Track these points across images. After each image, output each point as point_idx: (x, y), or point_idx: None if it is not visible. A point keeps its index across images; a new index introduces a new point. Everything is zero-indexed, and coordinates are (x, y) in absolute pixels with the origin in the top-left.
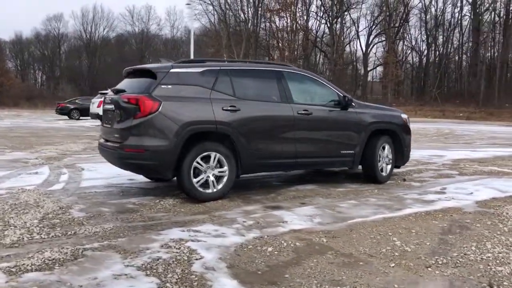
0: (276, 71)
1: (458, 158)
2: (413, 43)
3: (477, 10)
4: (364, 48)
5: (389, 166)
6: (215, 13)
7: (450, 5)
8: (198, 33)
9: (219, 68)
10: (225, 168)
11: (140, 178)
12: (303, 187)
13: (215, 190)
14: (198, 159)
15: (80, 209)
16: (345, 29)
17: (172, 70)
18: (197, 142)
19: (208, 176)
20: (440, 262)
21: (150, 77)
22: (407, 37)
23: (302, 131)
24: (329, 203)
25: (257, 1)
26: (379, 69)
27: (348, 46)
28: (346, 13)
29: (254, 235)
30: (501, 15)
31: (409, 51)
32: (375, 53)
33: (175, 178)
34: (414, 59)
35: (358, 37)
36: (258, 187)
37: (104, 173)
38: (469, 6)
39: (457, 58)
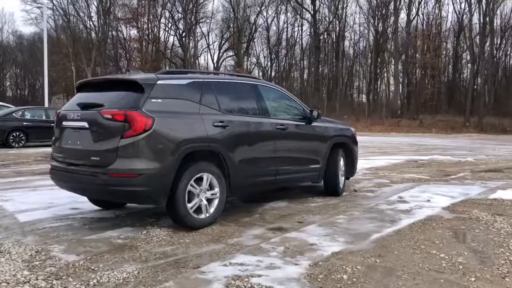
0: (252, 84)
1: (367, 167)
2: (259, 59)
3: (317, 30)
4: (215, 62)
5: (343, 178)
6: (59, 18)
7: (290, 25)
8: (35, 39)
9: (203, 80)
10: (216, 189)
11: (87, 207)
12: (276, 204)
13: (207, 215)
14: (192, 182)
15: (63, 250)
16: (195, 42)
17: (159, 82)
18: (192, 163)
19: (201, 200)
20: (505, 271)
21: (135, 90)
22: (253, 52)
23: (280, 147)
24: (324, 220)
25: (106, 9)
26: None
27: (198, 59)
28: (196, 26)
29: (306, 262)
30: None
31: (253, 66)
32: (225, 67)
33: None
34: (259, 74)
35: (209, 51)
36: (229, 207)
37: (32, 203)
38: (310, 26)
39: (297, 74)
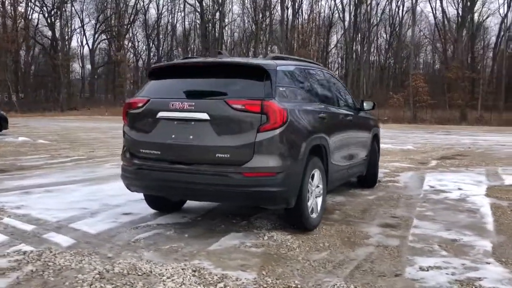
0: (328, 72)
1: None
2: (136, 43)
3: (204, 18)
4: (90, 45)
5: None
6: None
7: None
8: None
9: (300, 66)
10: (321, 187)
11: (138, 210)
12: (333, 199)
13: (317, 215)
14: (309, 179)
15: (221, 267)
16: (67, 22)
17: (278, 68)
18: (310, 158)
19: (314, 199)
20: None
21: (259, 77)
22: (133, 37)
23: (350, 139)
24: (412, 213)
25: None
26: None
27: (69, 41)
28: (66, 3)
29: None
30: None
31: (129, 52)
32: (100, 51)
33: None
34: (136, 59)
35: (84, 33)
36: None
37: (65, 209)
38: (197, 14)
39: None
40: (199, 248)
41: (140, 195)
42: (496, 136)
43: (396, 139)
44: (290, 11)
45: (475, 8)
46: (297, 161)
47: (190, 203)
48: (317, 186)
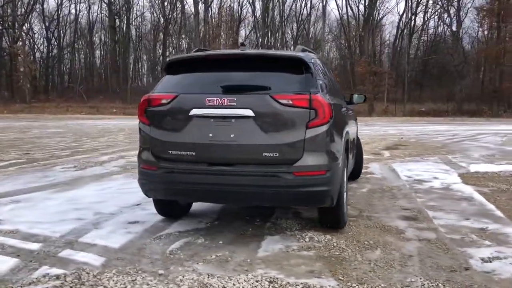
0: (324, 62)
1: None
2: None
3: (113, 10)
4: None
5: None
6: None
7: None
8: None
9: (317, 58)
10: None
11: (148, 218)
12: None
13: (346, 212)
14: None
15: (291, 274)
16: None
17: (312, 61)
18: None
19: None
20: None
21: (298, 69)
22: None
23: (352, 132)
24: (432, 205)
25: None
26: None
27: None
28: None
29: None
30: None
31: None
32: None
33: None
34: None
35: None
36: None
37: (71, 220)
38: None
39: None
40: (248, 256)
41: (130, 200)
42: (414, 126)
43: None
44: (201, 5)
45: (376, 6)
46: (340, 158)
47: (194, 207)
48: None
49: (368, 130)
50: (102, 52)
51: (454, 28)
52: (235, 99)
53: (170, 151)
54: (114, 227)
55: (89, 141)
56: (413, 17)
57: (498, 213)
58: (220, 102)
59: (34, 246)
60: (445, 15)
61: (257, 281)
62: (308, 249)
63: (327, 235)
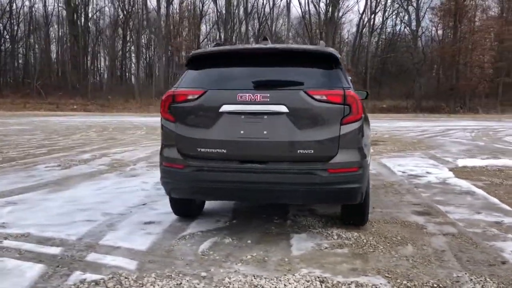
0: None
1: None
2: None
3: (71, 4)
4: None
5: None
6: None
7: None
8: None
9: None
10: None
11: (162, 217)
12: None
13: None
14: None
15: (341, 273)
16: None
17: (338, 56)
18: None
19: None
20: None
21: (328, 65)
22: None
23: None
24: (440, 200)
25: None
26: None
27: None
28: None
29: None
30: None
31: None
32: None
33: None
34: None
35: None
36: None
37: (78, 225)
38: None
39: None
40: (284, 255)
41: (133, 200)
42: (381, 122)
43: None
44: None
45: (337, 4)
46: (369, 154)
47: (205, 206)
48: None
49: None
50: (59, 47)
51: (413, 27)
52: (268, 95)
53: (198, 149)
54: (130, 228)
55: (61, 139)
56: (373, 15)
57: (505, 206)
58: (253, 98)
59: (54, 250)
60: (404, 14)
61: (307, 281)
62: (341, 247)
63: (353, 232)
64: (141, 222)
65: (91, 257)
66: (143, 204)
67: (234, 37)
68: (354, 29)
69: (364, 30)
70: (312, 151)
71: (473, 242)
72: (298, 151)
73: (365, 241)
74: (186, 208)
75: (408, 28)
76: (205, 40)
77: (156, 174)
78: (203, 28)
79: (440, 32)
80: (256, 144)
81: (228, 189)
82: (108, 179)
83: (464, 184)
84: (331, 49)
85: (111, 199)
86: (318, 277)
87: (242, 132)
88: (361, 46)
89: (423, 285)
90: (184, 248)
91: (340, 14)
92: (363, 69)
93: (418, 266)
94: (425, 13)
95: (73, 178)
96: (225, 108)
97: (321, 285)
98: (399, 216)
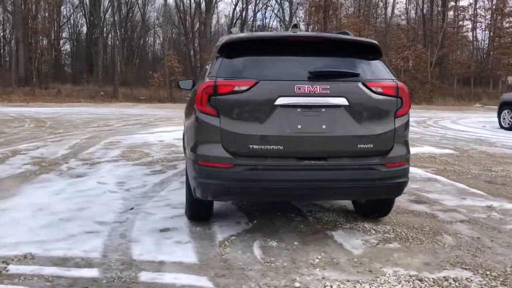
0: None
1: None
2: None
3: None
4: None
5: None
6: None
7: None
8: None
9: None
10: None
11: (181, 223)
12: None
13: None
14: None
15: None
16: None
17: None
18: None
19: None
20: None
21: (373, 56)
22: None
23: None
24: None
25: None
26: None
27: None
28: None
29: None
30: None
31: None
32: None
33: None
34: None
35: None
36: None
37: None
38: None
39: None
40: (348, 255)
41: (113, 204)
42: None
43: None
44: None
45: None
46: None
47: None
48: None
49: None
50: None
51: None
52: (328, 86)
53: (251, 146)
54: (152, 239)
55: None
56: (246, 7)
57: (476, 191)
58: (312, 90)
59: (89, 272)
60: (278, 8)
61: (406, 281)
62: (387, 241)
63: (382, 225)
64: (155, 229)
65: (145, 276)
66: (131, 209)
67: (102, 22)
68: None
69: (237, 22)
70: (372, 146)
71: (492, 227)
72: (358, 146)
73: (403, 233)
74: (206, 211)
75: (282, 22)
76: (66, 23)
77: (103, 173)
78: (64, 10)
79: (310, 28)
80: (316, 140)
81: (284, 188)
82: (52, 180)
83: (418, 171)
84: (374, 41)
85: (86, 205)
86: (411, 276)
87: (299, 127)
88: None
89: (505, 273)
90: (238, 257)
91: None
92: None
93: (477, 254)
94: (296, 8)
95: (4, 181)
96: (281, 100)
97: (420, 283)
98: (400, 205)
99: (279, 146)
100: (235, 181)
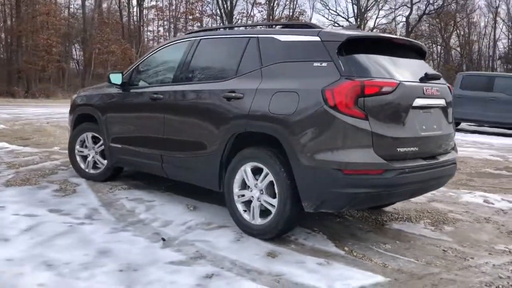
0: None
1: None
2: None
3: None
4: None
5: None
6: None
7: None
8: None
9: None
10: None
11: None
12: None
13: None
14: None
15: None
16: None
17: None
18: None
19: None
20: None
21: (422, 58)
22: None
23: None
24: None
25: None
26: None
27: None
28: None
29: None
30: None
31: None
32: None
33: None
34: None
35: None
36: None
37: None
38: None
39: None
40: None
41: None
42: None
43: None
44: None
45: None
46: None
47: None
48: None
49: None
50: None
51: None
52: (438, 88)
53: (398, 149)
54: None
55: None
56: None
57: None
58: (432, 91)
59: None
60: None
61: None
62: (434, 229)
63: (406, 212)
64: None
65: None
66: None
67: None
68: None
69: None
70: (452, 143)
71: (504, 213)
72: (450, 143)
73: (424, 232)
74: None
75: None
76: None
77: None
78: None
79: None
80: (433, 139)
81: (416, 189)
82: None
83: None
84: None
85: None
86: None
87: (424, 127)
88: None
89: None
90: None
91: None
92: None
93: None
94: None
95: None
96: (418, 102)
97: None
98: (418, 200)
99: (415, 148)
100: (386, 188)
